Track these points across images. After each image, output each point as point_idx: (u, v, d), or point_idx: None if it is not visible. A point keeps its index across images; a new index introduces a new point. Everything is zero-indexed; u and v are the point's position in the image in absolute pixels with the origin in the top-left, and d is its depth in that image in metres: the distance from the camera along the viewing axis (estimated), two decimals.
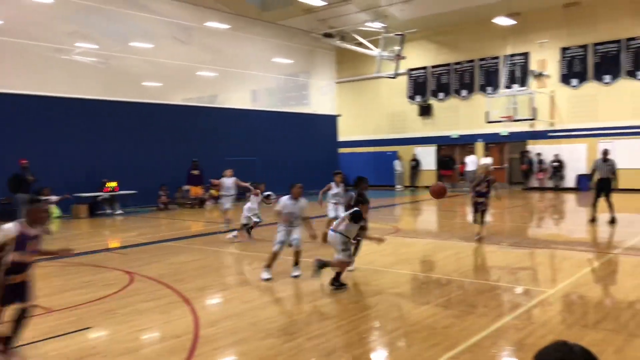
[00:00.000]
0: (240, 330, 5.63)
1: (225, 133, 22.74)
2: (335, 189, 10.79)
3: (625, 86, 22.42)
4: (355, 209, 7.35)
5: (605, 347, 4.85)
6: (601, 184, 13.39)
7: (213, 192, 21.47)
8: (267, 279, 7.80)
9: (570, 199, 20.82)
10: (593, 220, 13.18)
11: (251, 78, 25.35)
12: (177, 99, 23.19)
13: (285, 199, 8.03)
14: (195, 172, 20.67)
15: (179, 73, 22.02)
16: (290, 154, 25.27)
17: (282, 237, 7.95)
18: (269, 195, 11.79)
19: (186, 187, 20.67)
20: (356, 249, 8.12)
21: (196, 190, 20.69)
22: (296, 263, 8.07)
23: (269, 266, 7.93)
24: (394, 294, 7.06)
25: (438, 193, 9.01)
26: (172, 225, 15.91)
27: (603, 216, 13.22)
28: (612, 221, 12.91)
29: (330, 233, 7.41)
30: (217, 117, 22.81)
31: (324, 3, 23.06)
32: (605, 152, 13.64)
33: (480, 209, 11.01)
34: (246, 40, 24.08)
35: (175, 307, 6.55)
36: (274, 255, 7.94)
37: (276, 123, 25.15)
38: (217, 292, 7.56)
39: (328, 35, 26.47)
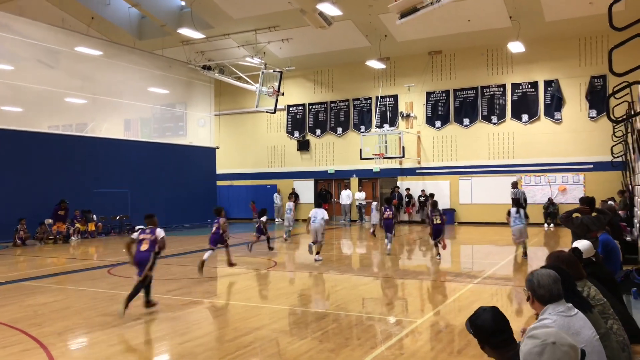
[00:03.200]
0: None
1: (94, 163, 21.40)
2: None
3: (481, 129, 24.74)
4: None
5: None
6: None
7: (79, 225, 19.99)
8: None
9: None
10: None
11: (124, 107, 24.29)
12: (42, 126, 21.49)
13: None
14: (62, 212, 19.06)
15: (44, 98, 20.46)
16: (166, 186, 24.37)
17: None
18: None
19: (49, 220, 19.05)
20: None
21: (59, 225, 19.12)
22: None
23: None
24: (271, 330, 6.98)
25: None
26: (30, 263, 14.51)
27: (465, 248, 14.23)
28: None
29: None
30: (85, 147, 21.42)
31: (202, 36, 22.92)
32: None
33: None
34: (120, 67, 23.11)
35: (29, 356, 5.92)
36: None
37: (150, 154, 24.21)
38: (79, 335, 6.96)
39: (207, 68, 26.28)
